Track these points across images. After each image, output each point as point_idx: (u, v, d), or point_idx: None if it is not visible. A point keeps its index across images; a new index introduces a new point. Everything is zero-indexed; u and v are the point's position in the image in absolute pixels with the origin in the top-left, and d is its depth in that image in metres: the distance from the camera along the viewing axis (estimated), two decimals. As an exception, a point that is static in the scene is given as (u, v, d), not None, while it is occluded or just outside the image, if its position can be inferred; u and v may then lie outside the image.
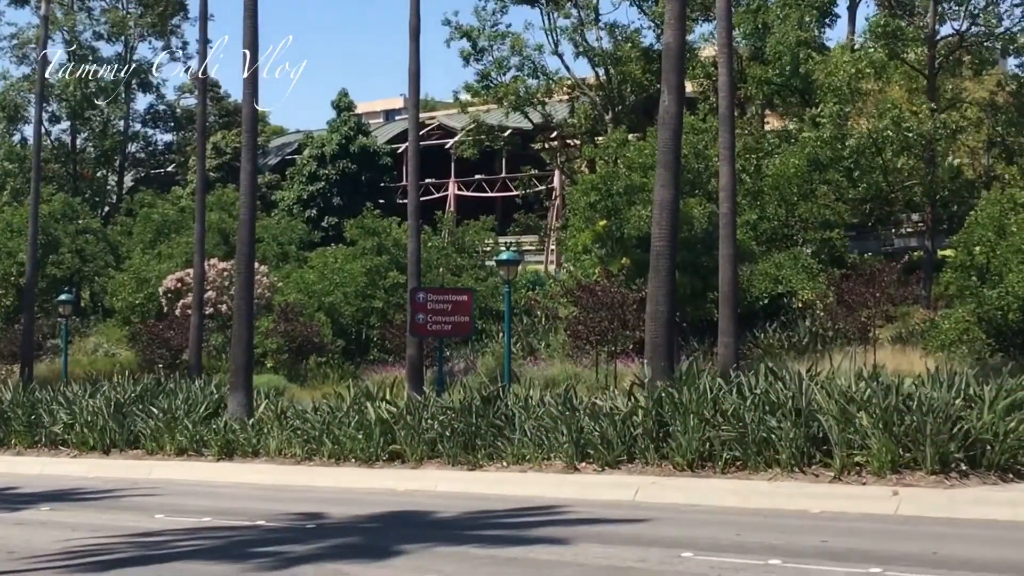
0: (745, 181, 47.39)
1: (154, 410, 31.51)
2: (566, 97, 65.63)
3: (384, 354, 50.66)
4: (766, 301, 44.94)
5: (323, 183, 67.21)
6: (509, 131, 66.38)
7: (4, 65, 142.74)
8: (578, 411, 24.00)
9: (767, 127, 56.73)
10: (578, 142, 63.82)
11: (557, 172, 65.99)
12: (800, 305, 45.00)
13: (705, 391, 22.51)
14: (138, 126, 79.93)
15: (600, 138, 58.59)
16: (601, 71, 62.67)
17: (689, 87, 50.63)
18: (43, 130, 62.86)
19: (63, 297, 49.35)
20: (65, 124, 77.87)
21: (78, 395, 33.83)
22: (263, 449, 28.70)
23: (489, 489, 22.64)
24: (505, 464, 24.45)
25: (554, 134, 66.25)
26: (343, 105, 69.65)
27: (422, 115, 53.78)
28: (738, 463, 21.74)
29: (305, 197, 67.47)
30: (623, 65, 61.49)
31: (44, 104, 62.74)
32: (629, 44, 61.89)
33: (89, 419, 32.35)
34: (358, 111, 72.42)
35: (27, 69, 74.72)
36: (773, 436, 21.24)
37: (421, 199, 41.88)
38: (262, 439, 28.84)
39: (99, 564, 15.76)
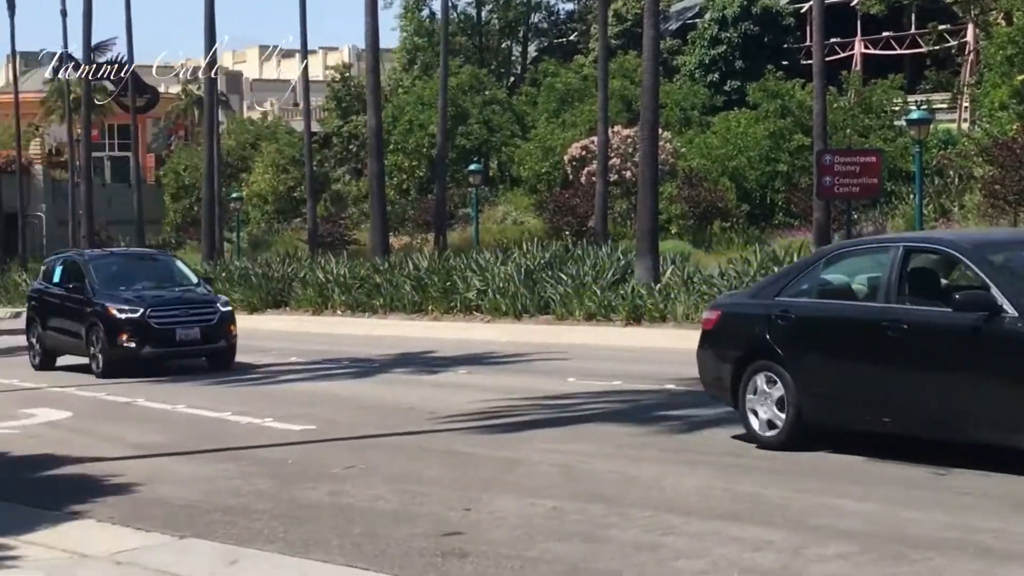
0: None
1: (563, 276, 32.08)
2: (980, -54, 62.47)
3: (789, 218, 50.08)
4: None
5: (725, 46, 66.36)
6: (918, -16, 63.81)
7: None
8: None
9: None
10: (993, -7, 60.75)
11: (971, 25, 63.01)
12: None
13: None
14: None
15: (1018, -12, 55.57)
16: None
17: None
18: (449, 4, 64.29)
19: (472, 167, 50.70)
20: (471, -3, 79.40)
21: (490, 263, 34.76)
22: (670, 314, 28.83)
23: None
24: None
25: (966, -14, 63.23)
26: (744, -34, 68.41)
27: (826, -28, 52.15)
28: None
29: (707, 61, 66.82)
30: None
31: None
32: None
33: (501, 286, 33.20)
34: (759, -29, 70.90)
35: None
36: None
37: (826, 59, 40.81)
38: (669, 304, 28.97)
39: (516, 425, 16.22)
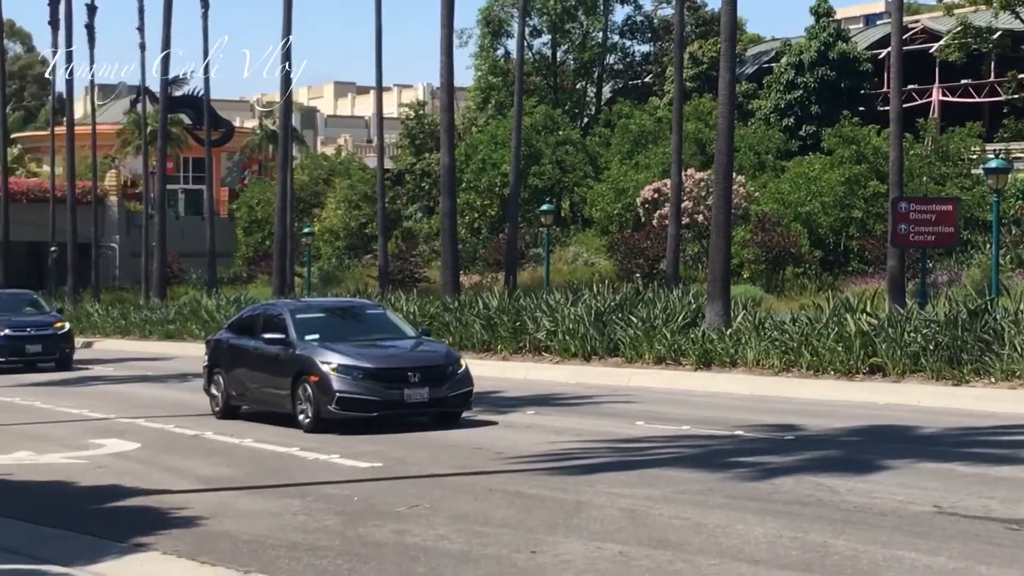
0: None
1: (633, 319, 31.89)
2: (1060, -5, 61.90)
3: (863, 265, 49.71)
4: None
5: (801, 91, 66.21)
6: (998, 33, 63.31)
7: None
8: (1074, 326, 22.73)
9: None
10: (1073, 42, 60.19)
11: (1049, 75, 62.50)
12: None
13: None
14: (616, 37, 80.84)
15: (1098, 37, 55.03)
16: (1100, -35, 58.72)
17: None
18: (525, 43, 64.46)
19: (545, 207, 50.63)
20: (546, 38, 79.66)
21: (560, 303, 34.59)
22: (740, 359, 28.57)
23: (976, 406, 21.78)
24: (993, 380, 23.44)
25: (1047, 34, 62.70)
26: (822, 11, 68.28)
27: (905, 19, 51.80)
28: None
29: (782, 106, 66.67)
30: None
31: (526, 18, 64.30)
32: None
33: (570, 327, 33.03)
34: (837, 17, 70.73)
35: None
36: None
37: (903, 106, 40.52)
38: (739, 349, 28.71)
39: (582, 467, 16.09)
